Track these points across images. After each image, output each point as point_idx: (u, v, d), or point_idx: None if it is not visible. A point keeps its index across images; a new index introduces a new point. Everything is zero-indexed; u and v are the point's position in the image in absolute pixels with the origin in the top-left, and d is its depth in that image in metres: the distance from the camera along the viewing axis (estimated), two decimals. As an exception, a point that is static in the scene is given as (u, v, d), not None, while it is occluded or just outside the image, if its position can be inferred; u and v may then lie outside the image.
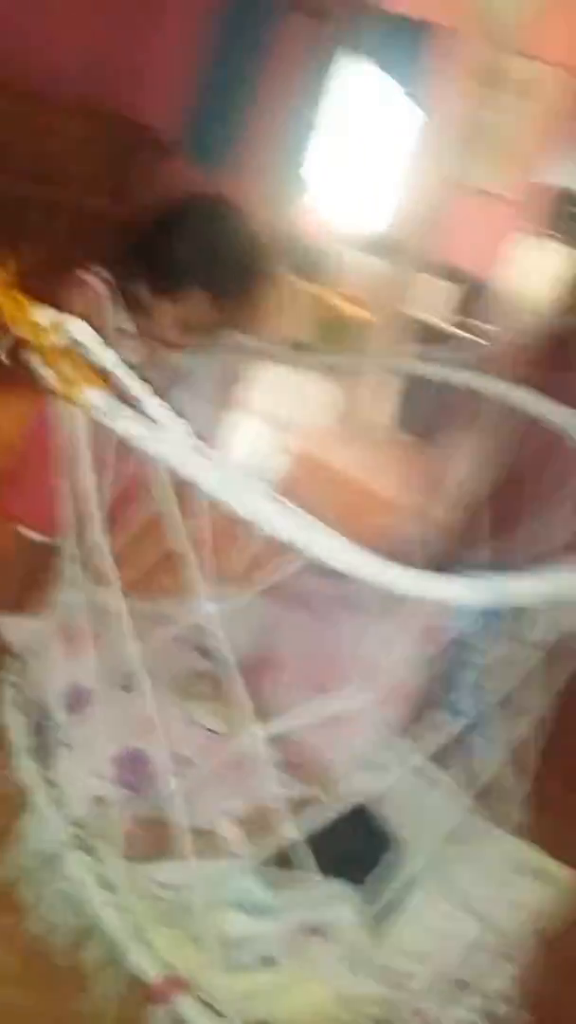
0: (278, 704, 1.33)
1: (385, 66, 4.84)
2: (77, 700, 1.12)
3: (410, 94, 4.87)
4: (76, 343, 0.71)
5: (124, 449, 0.81)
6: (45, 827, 1.05)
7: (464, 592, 0.78)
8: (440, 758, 1.18)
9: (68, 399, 0.76)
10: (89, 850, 1.01)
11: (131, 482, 0.99)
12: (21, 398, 1.38)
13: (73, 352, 0.71)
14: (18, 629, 1.24)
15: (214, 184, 1.54)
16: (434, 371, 1.48)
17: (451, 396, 1.46)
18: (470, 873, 1.10)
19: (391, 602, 1.34)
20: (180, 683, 1.25)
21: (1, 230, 1.35)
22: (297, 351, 1.50)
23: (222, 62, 3.16)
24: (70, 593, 1.09)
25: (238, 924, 0.94)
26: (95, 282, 1.23)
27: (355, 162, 5.27)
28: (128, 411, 0.74)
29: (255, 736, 1.13)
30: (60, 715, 1.10)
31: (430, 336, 3.81)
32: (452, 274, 4.57)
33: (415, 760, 1.35)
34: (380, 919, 1.01)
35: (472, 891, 1.08)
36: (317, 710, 1.27)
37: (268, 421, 3.19)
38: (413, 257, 3.72)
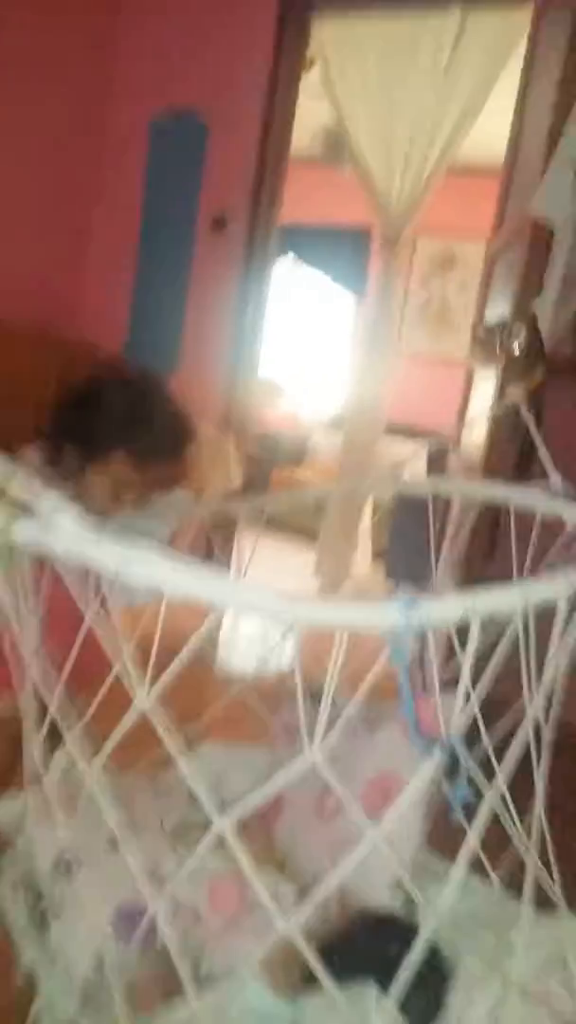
0: (290, 840, 1.30)
1: (314, 264, 5.49)
2: (67, 867, 1.10)
3: (342, 285, 5.47)
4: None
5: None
6: (54, 1003, 1.00)
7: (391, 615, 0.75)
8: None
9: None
10: (99, 1013, 0.96)
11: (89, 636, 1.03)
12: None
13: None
14: (4, 811, 1.24)
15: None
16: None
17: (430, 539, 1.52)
18: (517, 963, 1.02)
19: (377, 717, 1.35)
20: (177, 833, 1.22)
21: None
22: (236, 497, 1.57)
23: (151, 277, 3.59)
24: (42, 762, 1.10)
25: None
26: (30, 453, 1.36)
27: (305, 351, 5.81)
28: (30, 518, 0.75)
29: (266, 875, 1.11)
30: (52, 886, 1.08)
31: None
32: (416, 434, 4.84)
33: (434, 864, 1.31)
34: (419, 1019, 0.94)
35: (522, 980, 0.99)
36: (329, 840, 1.24)
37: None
38: (374, 425, 3.94)
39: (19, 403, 3.21)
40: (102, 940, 1.01)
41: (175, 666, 0.84)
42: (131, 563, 0.69)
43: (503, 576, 1.35)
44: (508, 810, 1.02)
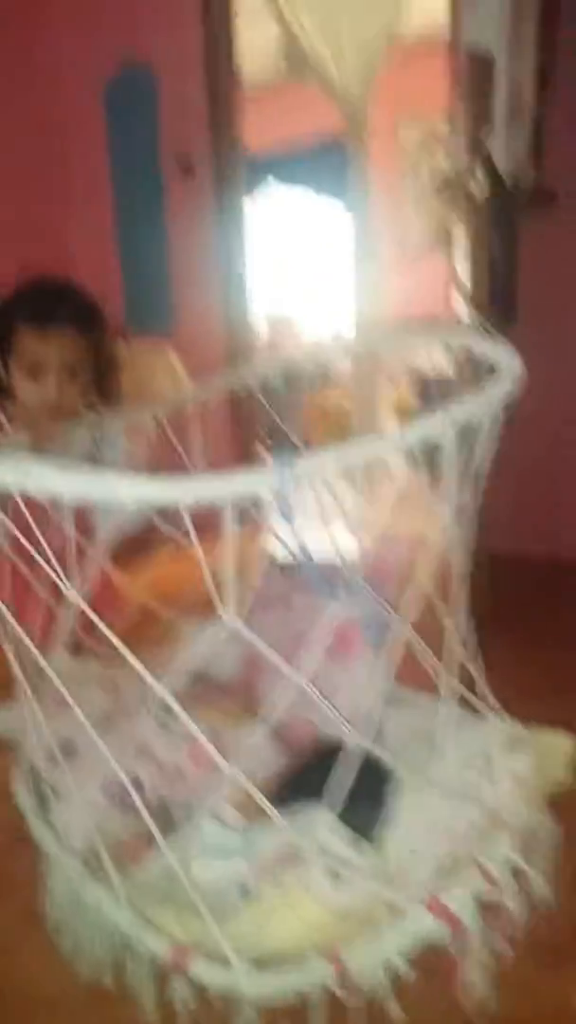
0: (268, 695, 1.39)
1: (297, 182, 5.43)
2: (66, 752, 1.22)
3: (328, 195, 5.39)
4: None
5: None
6: (61, 872, 1.13)
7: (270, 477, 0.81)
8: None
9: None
10: (95, 873, 1.08)
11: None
12: None
13: None
14: (6, 719, 1.38)
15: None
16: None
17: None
18: (451, 763, 1.08)
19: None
20: (161, 710, 1.32)
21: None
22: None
23: (131, 237, 3.65)
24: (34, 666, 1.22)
25: (208, 868, 0.98)
26: None
27: (309, 276, 5.77)
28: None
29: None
30: (51, 767, 1.21)
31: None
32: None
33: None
34: (363, 831, 1.02)
35: (457, 779, 1.06)
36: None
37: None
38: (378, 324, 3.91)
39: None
40: (94, 809, 1.13)
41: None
42: (28, 477, 0.78)
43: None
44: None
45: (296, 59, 4.57)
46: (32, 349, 1.44)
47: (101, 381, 1.54)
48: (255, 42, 3.84)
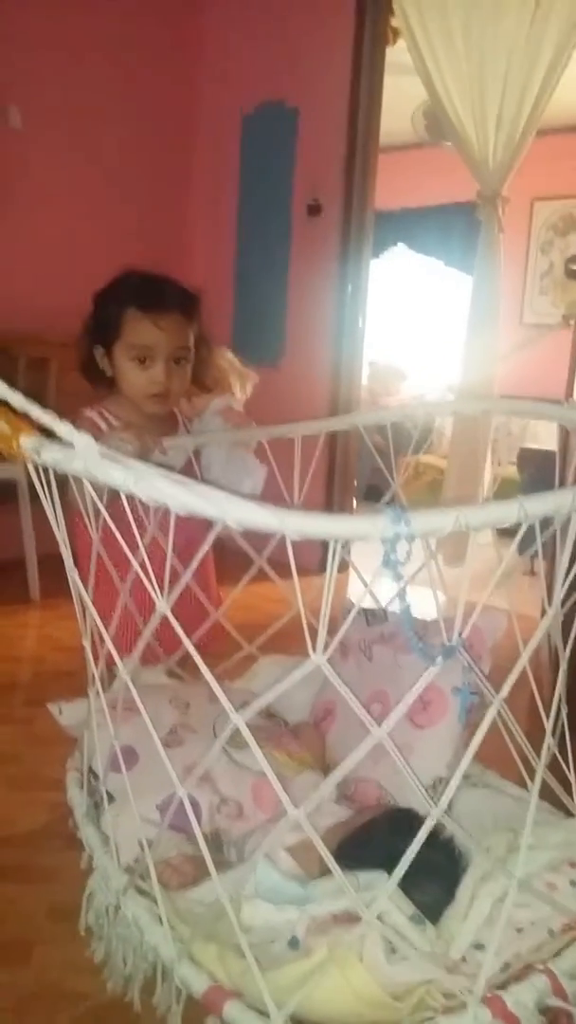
0: (339, 747, 1.36)
1: (426, 250, 5.47)
2: (125, 760, 1.20)
3: (455, 267, 5.40)
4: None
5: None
6: (106, 882, 1.11)
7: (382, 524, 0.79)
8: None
9: (11, 456, 0.91)
10: (141, 891, 1.06)
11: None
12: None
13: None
14: (71, 713, 1.38)
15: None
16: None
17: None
18: (530, 861, 1.03)
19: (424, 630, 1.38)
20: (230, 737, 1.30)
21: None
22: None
23: (251, 268, 3.73)
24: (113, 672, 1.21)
25: (259, 912, 0.95)
26: (94, 415, 1.48)
27: (426, 335, 5.77)
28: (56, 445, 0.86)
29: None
30: (109, 776, 1.19)
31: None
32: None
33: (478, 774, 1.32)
34: (426, 909, 0.98)
35: (533, 877, 1.01)
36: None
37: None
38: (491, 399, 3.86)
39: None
40: (146, 825, 1.11)
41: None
42: (141, 482, 0.75)
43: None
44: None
45: (437, 123, 4.65)
46: (144, 335, 1.42)
47: (200, 370, 1.53)
48: (399, 102, 3.89)
